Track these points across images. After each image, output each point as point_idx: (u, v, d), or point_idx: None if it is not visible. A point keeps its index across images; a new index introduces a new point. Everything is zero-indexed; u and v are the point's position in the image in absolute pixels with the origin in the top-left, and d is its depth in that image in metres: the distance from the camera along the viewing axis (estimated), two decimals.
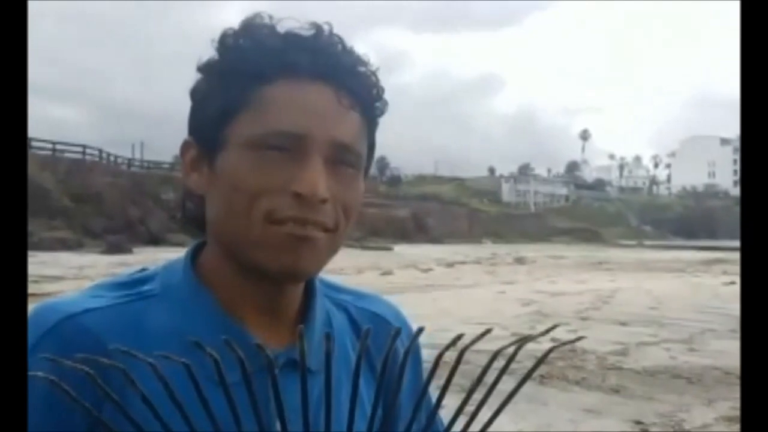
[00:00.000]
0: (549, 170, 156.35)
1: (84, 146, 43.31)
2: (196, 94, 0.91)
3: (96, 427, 0.69)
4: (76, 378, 0.65)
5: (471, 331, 0.74)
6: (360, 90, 0.89)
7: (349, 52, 0.90)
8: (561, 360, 8.61)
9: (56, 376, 0.66)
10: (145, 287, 0.90)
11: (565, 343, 0.84)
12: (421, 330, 0.77)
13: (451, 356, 0.71)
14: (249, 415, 0.69)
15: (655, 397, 7.36)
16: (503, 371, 0.72)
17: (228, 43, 0.89)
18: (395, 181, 77.54)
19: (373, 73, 0.91)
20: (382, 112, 0.93)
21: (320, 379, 0.74)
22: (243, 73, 0.87)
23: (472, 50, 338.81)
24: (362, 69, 0.90)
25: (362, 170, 0.91)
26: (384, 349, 0.73)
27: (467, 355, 0.72)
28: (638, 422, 6.42)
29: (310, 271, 0.89)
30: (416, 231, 58.90)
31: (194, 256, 0.94)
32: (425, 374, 0.79)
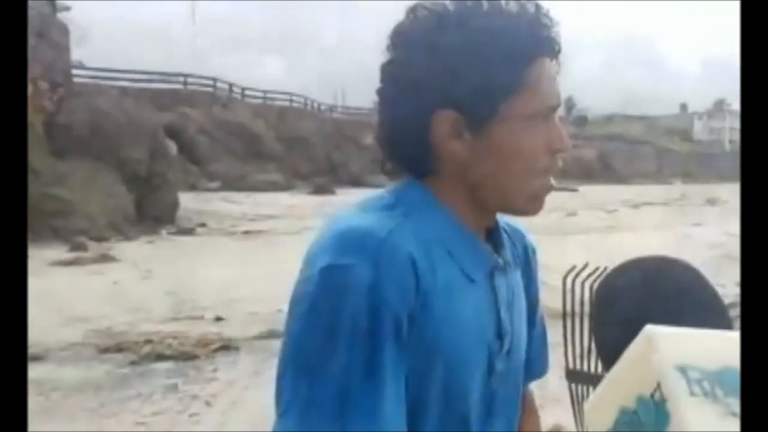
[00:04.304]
0: None
1: (291, 94, 43.29)
2: (448, 69, 0.95)
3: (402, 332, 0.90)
4: (394, 286, 0.89)
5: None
6: None
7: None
8: None
9: (373, 285, 0.88)
10: (397, 211, 0.98)
11: None
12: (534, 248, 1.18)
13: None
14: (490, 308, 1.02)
15: None
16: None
17: (481, 24, 0.95)
18: (582, 121, 73.69)
19: None
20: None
21: (515, 275, 1.09)
22: (519, 53, 0.95)
23: None
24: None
25: None
26: (523, 255, 1.14)
27: None
28: None
29: None
30: (603, 171, 56.52)
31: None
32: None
